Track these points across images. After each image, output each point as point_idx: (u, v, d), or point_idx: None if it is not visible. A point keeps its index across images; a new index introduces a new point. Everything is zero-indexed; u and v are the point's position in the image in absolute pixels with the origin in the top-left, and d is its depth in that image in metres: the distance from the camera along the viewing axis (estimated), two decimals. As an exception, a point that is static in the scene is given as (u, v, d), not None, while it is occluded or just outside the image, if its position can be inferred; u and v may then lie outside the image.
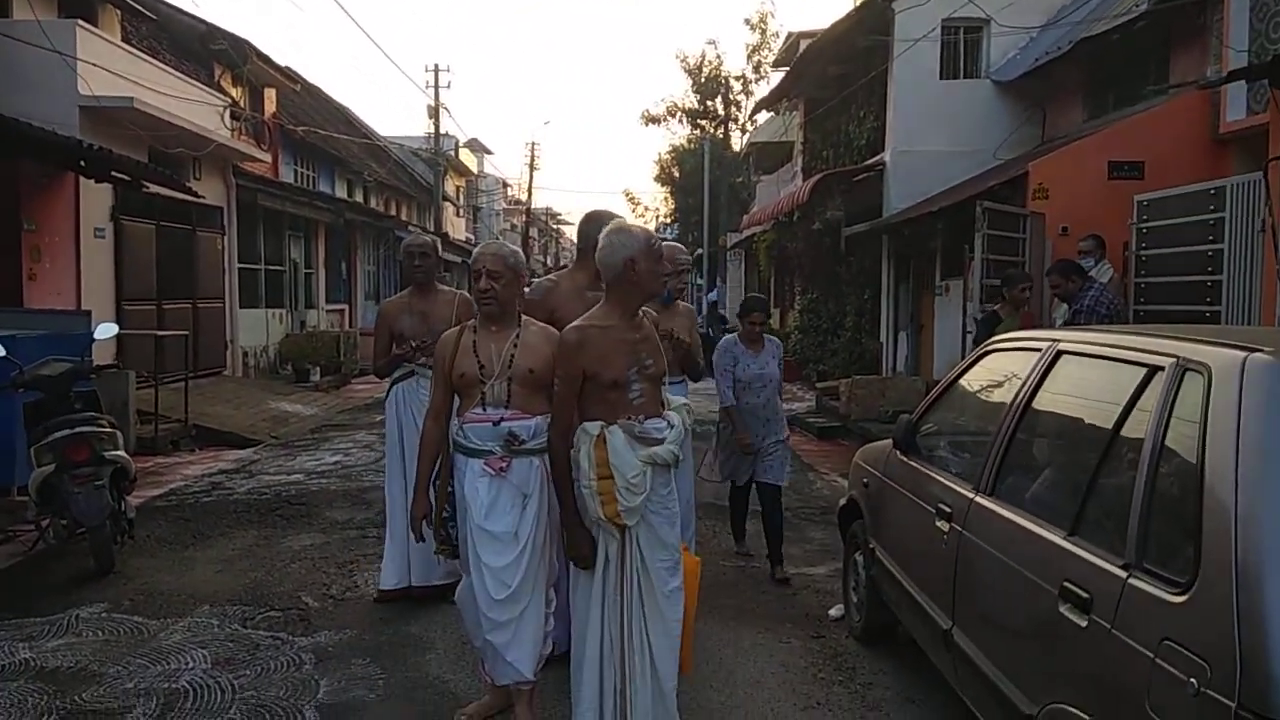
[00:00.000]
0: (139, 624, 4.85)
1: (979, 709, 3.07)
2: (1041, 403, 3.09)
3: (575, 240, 4.76)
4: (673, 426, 3.25)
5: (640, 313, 3.33)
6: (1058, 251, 8.89)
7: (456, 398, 3.65)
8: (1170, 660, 2.03)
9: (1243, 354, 2.21)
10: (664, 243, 5.50)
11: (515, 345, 3.57)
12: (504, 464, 3.47)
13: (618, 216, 4.47)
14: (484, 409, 3.52)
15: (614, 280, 3.21)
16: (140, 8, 14.04)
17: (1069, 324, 7.04)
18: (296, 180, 20.39)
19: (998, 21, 12.94)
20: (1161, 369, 2.44)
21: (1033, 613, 2.64)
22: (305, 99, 22.50)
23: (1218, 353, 2.28)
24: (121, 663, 4.33)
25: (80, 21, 11.27)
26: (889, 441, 4.34)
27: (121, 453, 6.02)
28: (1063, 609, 2.46)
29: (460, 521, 3.59)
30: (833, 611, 5.08)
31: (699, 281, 29.83)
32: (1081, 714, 2.35)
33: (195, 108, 13.75)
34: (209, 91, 15.08)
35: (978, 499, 3.18)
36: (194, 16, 15.53)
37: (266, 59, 17.20)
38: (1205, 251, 7.01)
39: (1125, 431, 2.51)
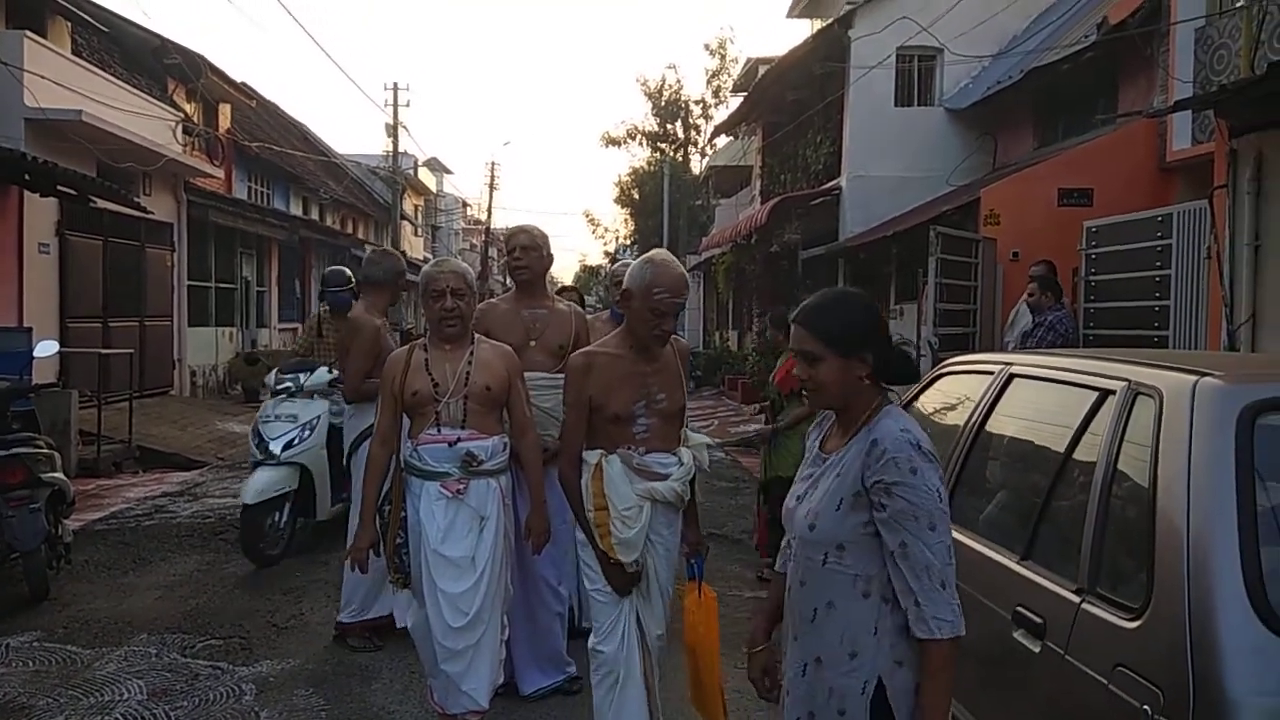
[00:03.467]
0: (72, 653, 4.67)
1: (934, 735, 3.04)
2: (994, 426, 3.09)
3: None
4: (681, 464, 3.10)
5: (668, 342, 3.16)
6: (1009, 276, 9.02)
7: (406, 419, 3.52)
8: (1124, 687, 2.02)
9: (1194, 378, 2.21)
10: (617, 263, 5.47)
11: (470, 363, 3.45)
12: (461, 486, 3.35)
13: (539, 231, 4.45)
14: (439, 429, 3.39)
15: (625, 308, 3.12)
16: (91, 20, 13.80)
17: (1028, 334, 7.13)
18: (250, 197, 20.11)
19: (950, 50, 13.19)
20: (1113, 393, 2.44)
21: (986, 638, 2.61)
22: (261, 115, 22.24)
23: (1169, 377, 2.29)
24: (52, 694, 4.16)
25: (28, 33, 11.05)
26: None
27: (60, 475, 5.83)
28: (1016, 635, 2.45)
29: (414, 548, 3.44)
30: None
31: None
32: (1035, 740, 2.33)
33: (146, 122, 13.51)
34: (161, 106, 14.83)
35: (932, 522, 3.16)
36: (147, 30, 15.27)
37: (221, 74, 16.98)
38: (1153, 277, 7.15)
39: (1077, 455, 2.51)
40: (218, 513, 8.03)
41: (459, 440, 3.37)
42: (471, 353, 3.50)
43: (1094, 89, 10.92)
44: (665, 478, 3.05)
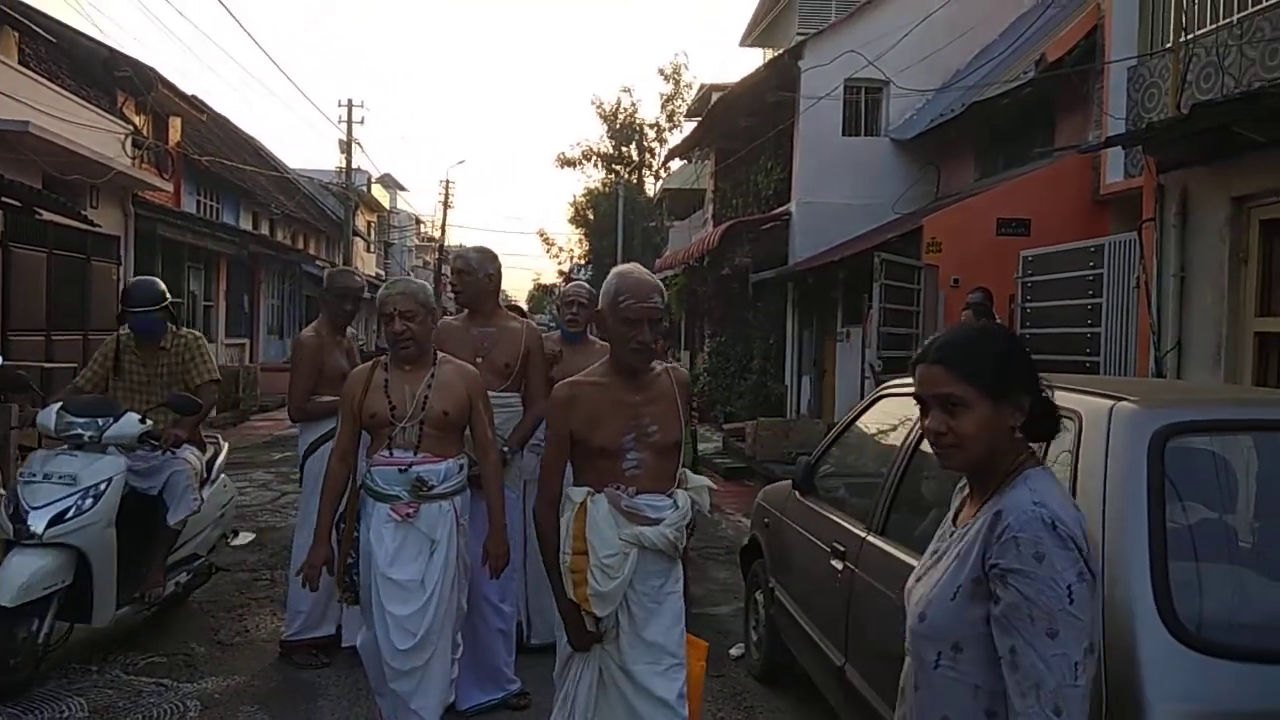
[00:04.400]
0: (9, 671, 4.59)
1: (870, 745, 3.15)
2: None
3: None
4: (676, 507, 2.79)
5: (662, 369, 2.88)
6: (950, 302, 9.29)
7: (367, 436, 3.52)
8: (1041, 691, 2.14)
9: (1110, 403, 2.37)
10: (570, 282, 5.58)
11: (429, 386, 3.42)
12: (411, 510, 3.34)
13: (478, 255, 4.53)
14: (391, 452, 3.39)
15: (603, 332, 2.89)
16: (40, 30, 13.59)
17: None
18: (199, 211, 19.87)
19: (896, 84, 13.57)
20: (1036, 415, 2.59)
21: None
22: (212, 129, 22.00)
23: (1088, 401, 2.44)
24: (-12, 714, 4.10)
25: (-28, 41, 10.86)
26: (789, 482, 4.45)
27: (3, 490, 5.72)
28: (945, 644, 2.56)
29: (364, 568, 3.44)
30: (734, 650, 5.14)
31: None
32: (962, 746, 2.44)
33: (95, 134, 13.33)
34: (110, 118, 14.64)
35: (869, 538, 3.30)
36: (97, 41, 15.09)
37: (172, 87, 16.82)
38: (1085, 305, 7.44)
39: (1003, 473, 2.65)
40: (161, 530, 7.90)
41: (411, 465, 3.36)
42: (433, 374, 3.46)
43: (1033, 123, 11.32)
44: (657, 523, 2.74)
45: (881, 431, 3.77)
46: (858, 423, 4.06)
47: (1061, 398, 2.52)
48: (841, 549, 3.48)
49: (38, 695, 4.29)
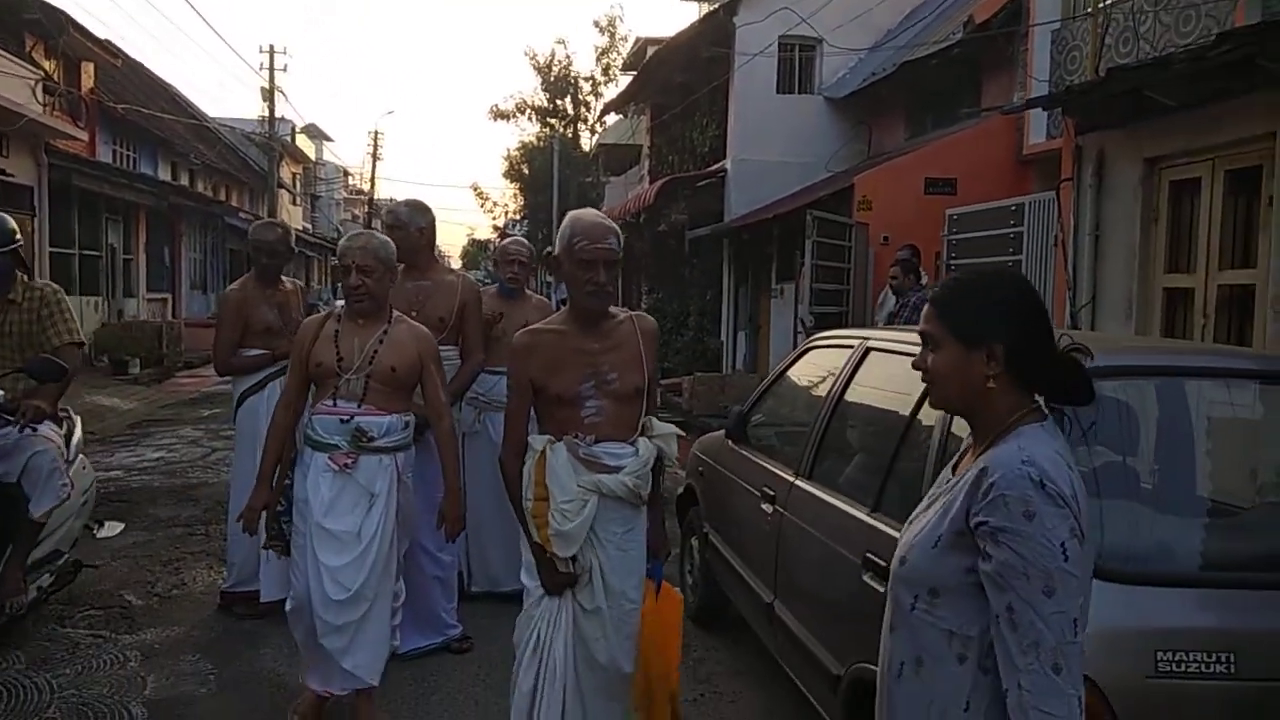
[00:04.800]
0: (-62, 627, 4.55)
1: (797, 675, 3.35)
2: (852, 394, 3.40)
3: None
4: (637, 455, 2.79)
5: (625, 316, 2.89)
6: (880, 259, 9.53)
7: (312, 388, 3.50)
8: (951, 615, 2.32)
9: (1015, 350, 2.53)
10: (507, 238, 5.57)
11: (381, 341, 3.42)
12: (349, 460, 3.34)
13: (407, 208, 4.47)
14: (334, 402, 3.40)
15: (559, 278, 3.02)
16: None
17: (894, 315, 7.60)
18: (116, 161, 19.16)
19: (829, 42, 13.69)
20: (951, 363, 2.76)
21: (840, 583, 2.92)
22: (127, 75, 21.17)
23: (996, 348, 2.61)
24: (-83, 668, 4.07)
25: None
26: (723, 432, 4.60)
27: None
28: (865, 577, 2.75)
29: (298, 518, 3.44)
30: (669, 595, 5.32)
31: (549, 279, 29.93)
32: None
33: (3, 80, 12.73)
34: (18, 63, 13.97)
35: (797, 482, 3.46)
36: (1, -20, 14.35)
37: (84, 31, 16.12)
38: (1006, 262, 7.71)
39: (920, 419, 2.83)
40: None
41: (352, 416, 3.37)
42: (385, 331, 3.46)
43: (960, 84, 11.56)
44: (617, 470, 2.75)
45: (809, 382, 3.93)
46: (787, 374, 4.22)
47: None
48: (771, 493, 3.65)
49: (-30, 649, 4.26)
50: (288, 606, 3.52)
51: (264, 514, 3.51)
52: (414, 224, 4.38)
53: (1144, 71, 5.42)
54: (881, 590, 2.64)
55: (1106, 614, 2.11)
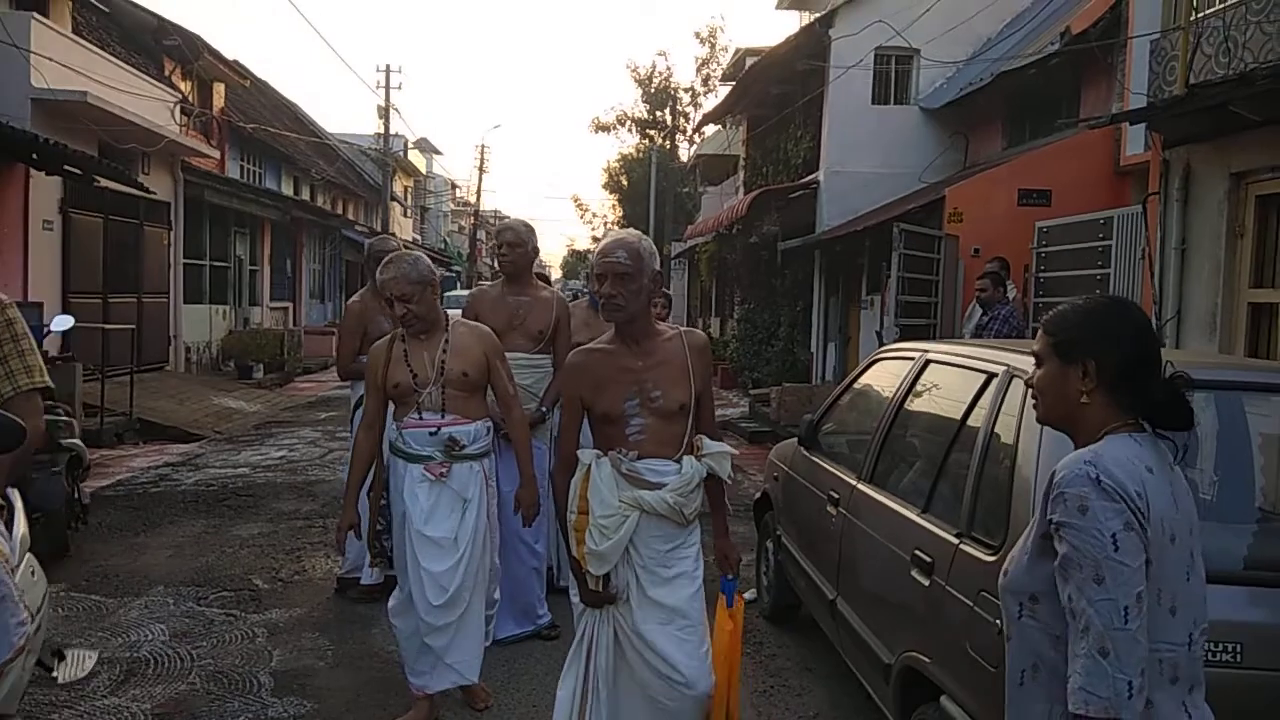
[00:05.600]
0: (97, 602, 5.16)
1: (855, 665, 3.59)
2: (911, 403, 3.63)
3: None
4: (681, 472, 2.80)
5: (674, 333, 2.92)
6: (970, 271, 9.55)
7: (391, 405, 3.65)
8: (984, 606, 2.55)
9: (1052, 365, 2.73)
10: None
11: (445, 350, 3.57)
12: (444, 469, 3.50)
13: (524, 226, 4.88)
14: (420, 415, 3.54)
15: None
16: (91, 0, 14.12)
17: (982, 328, 7.67)
18: (243, 176, 20.46)
19: (925, 54, 13.68)
20: (996, 375, 2.98)
21: (892, 578, 3.15)
22: (253, 94, 22.53)
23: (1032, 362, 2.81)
24: (83, 635, 4.65)
25: (35, 15, 11.39)
26: (796, 439, 4.85)
27: (77, 440, 6.30)
28: (913, 573, 2.98)
29: (397, 529, 3.63)
30: (747, 595, 5.58)
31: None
32: (924, 659, 2.87)
33: (146, 103, 13.87)
34: (160, 87, 15.17)
35: (859, 486, 3.70)
36: (145, 10, 15.60)
37: (216, 54, 17.30)
38: (1094, 275, 7.70)
39: (968, 425, 3.04)
40: (220, 481, 8.52)
41: (440, 427, 3.52)
42: (446, 340, 3.60)
43: (1058, 94, 11.44)
44: (659, 487, 2.77)
45: (874, 392, 4.15)
46: (855, 384, 4.45)
47: (1019, 360, 2.92)
48: (836, 496, 3.89)
49: (124, 622, 4.84)
50: (390, 603, 3.76)
51: (351, 532, 3.67)
52: (530, 243, 4.78)
53: (1227, 87, 5.44)
54: (926, 584, 2.88)
55: None
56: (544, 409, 4.73)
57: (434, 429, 3.52)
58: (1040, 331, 1.83)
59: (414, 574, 3.51)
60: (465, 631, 3.55)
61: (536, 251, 4.88)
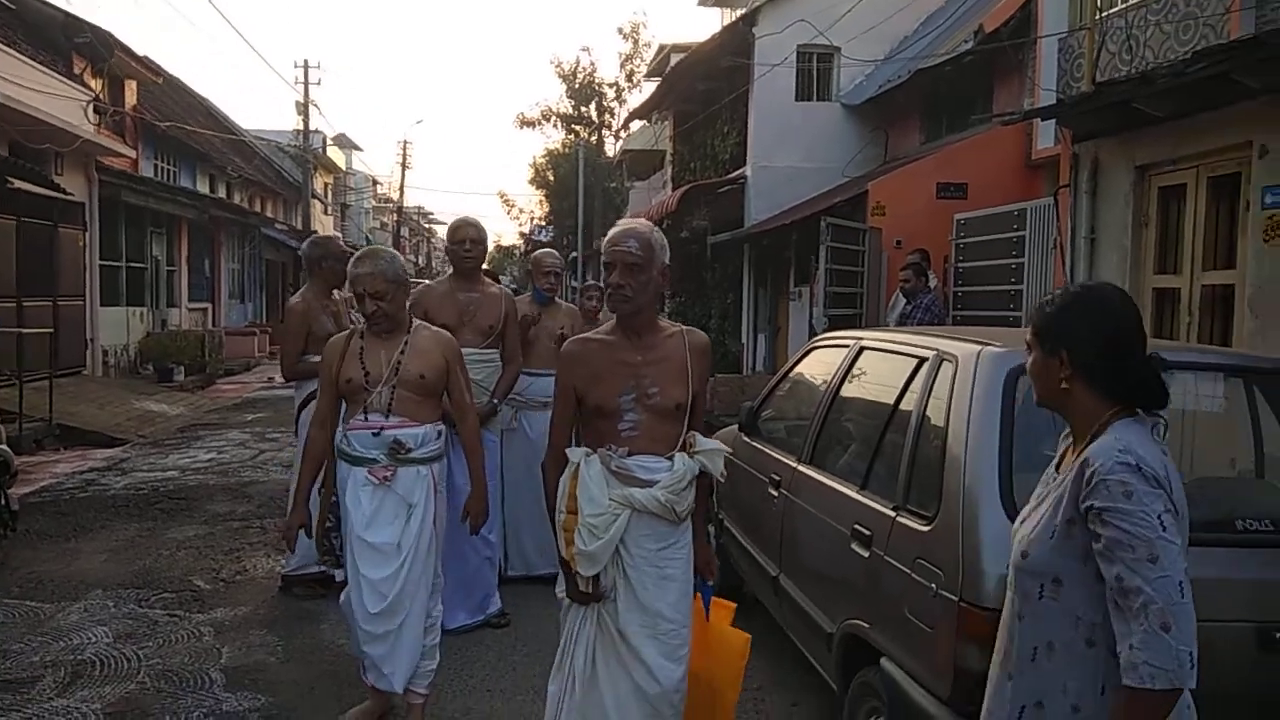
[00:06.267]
0: (33, 608, 5.06)
1: (797, 637, 3.77)
2: (847, 388, 3.82)
3: (446, 239, 5.06)
4: (673, 470, 2.72)
5: (676, 330, 2.86)
6: (893, 262, 9.89)
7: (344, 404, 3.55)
8: (920, 573, 2.74)
9: (978, 347, 2.94)
10: (538, 249, 6.05)
11: (404, 351, 3.49)
12: (388, 473, 3.40)
13: (481, 224, 5.01)
14: (366, 416, 3.44)
15: None
16: (-6, -5, 13.59)
17: (906, 317, 7.97)
18: (158, 176, 19.87)
19: (846, 52, 14.07)
20: (926, 359, 3.18)
21: (833, 552, 3.33)
22: (167, 92, 21.92)
23: (962, 346, 3.02)
24: (23, 640, 4.57)
25: (-65, 10, 10.93)
26: (736, 426, 5.02)
27: (4, 447, 6.14)
28: (853, 545, 3.16)
29: (344, 532, 3.54)
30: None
31: (574, 284, 30.43)
32: (865, 625, 3.05)
33: (58, 101, 13.41)
34: (72, 85, 14.67)
35: (799, 467, 3.88)
36: (53, 5, 15.06)
37: (128, 50, 16.78)
38: (1010, 265, 8.07)
39: (901, 407, 3.24)
40: (150, 485, 8.35)
41: (384, 428, 3.41)
42: (407, 341, 3.51)
43: (973, 90, 11.88)
44: (650, 484, 2.69)
45: (811, 379, 4.34)
46: (793, 372, 4.64)
47: (948, 344, 3.12)
48: (778, 479, 4.06)
49: (64, 626, 4.77)
50: (341, 599, 3.65)
51: (302, 531, 3.64)
52: (486, 241, 4.91)
53: (1131, 85, 5.78)
54: (866, 555, 3.07)
55: None
56: (494, 401, 4.81)
57: (376, 430, 3.42)
58: (1031, 321, 1.97)
59: (353, 580, 3.43)
60: (402, 642, 3.44)
61: (487, 248, 4.98)
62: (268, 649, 4.54)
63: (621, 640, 2.74)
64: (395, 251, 3.66)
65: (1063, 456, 1.95)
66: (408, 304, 3.69)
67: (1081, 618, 1.76)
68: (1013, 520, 2.52)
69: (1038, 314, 1.93)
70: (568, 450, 2.78)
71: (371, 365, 3.45)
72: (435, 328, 3.75)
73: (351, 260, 3.56)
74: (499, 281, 5.71)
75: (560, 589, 2.86)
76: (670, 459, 2.73)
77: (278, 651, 4.51)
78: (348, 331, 3.65)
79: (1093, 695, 1.76)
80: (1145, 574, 1.64)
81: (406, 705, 3.64)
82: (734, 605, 3.12)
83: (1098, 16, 7.26)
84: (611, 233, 2.78)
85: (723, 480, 2.98)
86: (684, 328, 2.90)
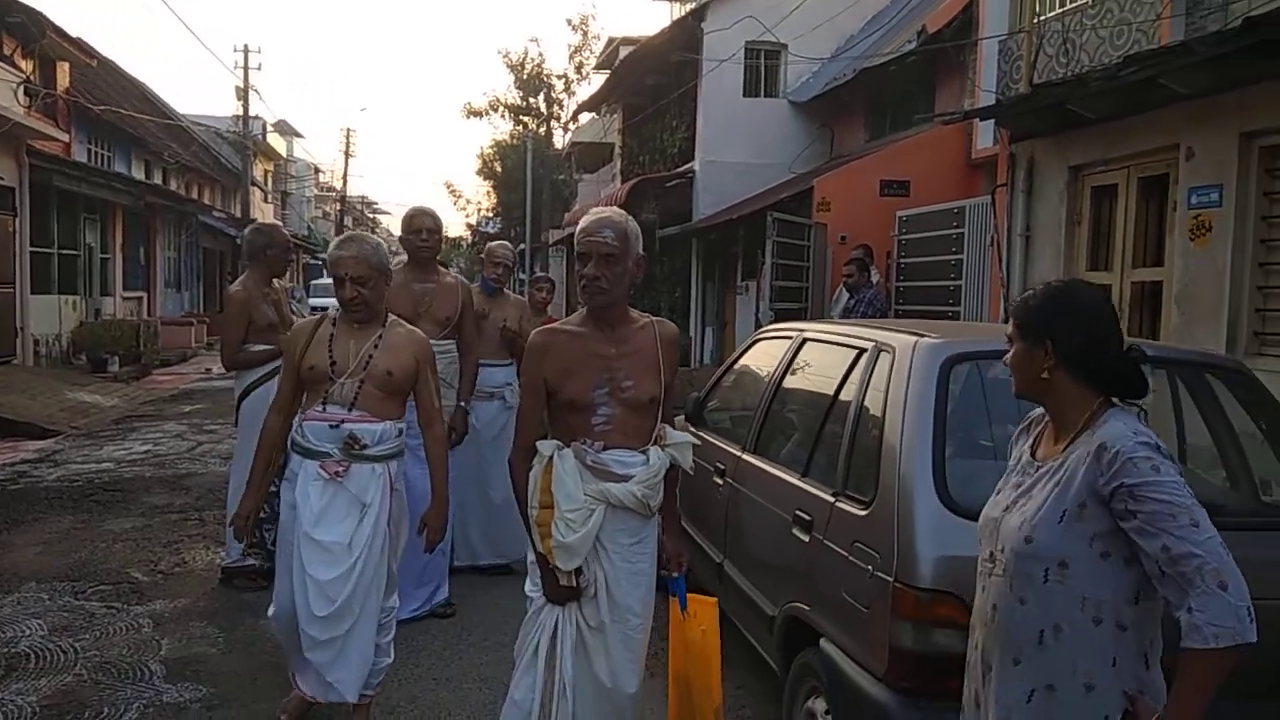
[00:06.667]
0: (-38, 602, 4.94)
1: (741, 622, 3.84)
2: (790, 379, 3.90)
3: (400, 231, 4.99)
4: (648, 464, 2.70)
5: (646, 322, 2.80)
6: (837, 257, 10.06)
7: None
8: (857, 555, 2.82)
9: (914, 338, 3.04)
10: (490, 242, 6.03)
11: (376, 345, 3.32)
12: (341, 468, 3.22)
13: (437, 213, 4.99)
14: (324, 408, 3.28)
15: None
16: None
17: (849, 311, 8.12)
18: (91, 160, 19.33)
19: (792, 49, 14.24)
20: (866, 350, 3.26)
21: (775, 538, 3.41)
22: (101, 74, 21.31)
23: (900, 338, 3.11)
24: (-48, 634, 4.46)
25: None
26: (683, 416, 5.08)
27: (-70, 436, 5.96)
28: (794, 530, 3.24)
29: (285, 527, 3.33)
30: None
31: (522, 276, 30.30)
32: (805, 607, 3.13)
33: (-16, 82, 12.98)
34: (2, 67, 14.21)
35: (744, 456, 3.95)
36: (-20, -17, 14.55)
37: (61, 31, 16.29)
38: (949, 260, 8.27)
39: (841, 396, 3.32)
40: (84, 477, 8.16)
41: (343, 421, 3.25)
42: (380, 335, 3.36)
43: (916, 90, 12.12)
44: (625, 479, 2.66)
45: (756, 369, 4.42)
46: (738, 363, 4.71)
47: (886, 336, 3.21)
48: (722, 468, 4.13)
49: (-5, 619, 4.66)
50: (270, 612, 3.46)
51: (251, 517, 3.46)
52: (441, 230, 4.89)
53: (1065, 87, 5.96)
54: (806, 539, 3.15)
55: (962, 542, 2.56)
56: (463, 403, 4.77)
57: (335, 423, 3.25)
58: (1011, 315, 2.01)
59: (298, 580, 3.21)
60: (351, 647, 3.24)
61: (444, 237, 4.95)
62: (209, 640, 4.48)
63: (597, 639, 2.70)
64: (380, 240, 3.51)
65: (1035, 443, 2.01)
66: (384, 295, 3.47)
67: (1088, 597, 1.80)
68: (943, 502, 2.66)
69: (1020, 308, 1.98)
70: (539, 443, 2.72)
71: (339, 355, 3.28)
72: (411, 326, 3.58)
73: (334, 243, 3.46)
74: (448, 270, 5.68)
75: (531, 587, 2.78)
76: (644, 453, 2.71)
77: (219, 643, 4.46)
78: (318, 317, 3.47)
79: (1104, 671, 1.81)
80: (1193, 538, 1.67)
81: (355, 707, 3.45)
82: (715, 600, 3.02)
83: (1036, 20, 7.47)
84: (585, 222, 2.69)
85: (691, 473, 2.93)
86: (654, 319, 2.85)
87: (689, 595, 2.99)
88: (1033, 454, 2.00)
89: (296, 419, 3.36)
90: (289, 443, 3.38)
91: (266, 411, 3.61)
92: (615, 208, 2.96)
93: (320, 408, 3.28)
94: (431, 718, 3.77)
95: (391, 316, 3.51)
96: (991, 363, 2.88)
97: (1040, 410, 2.04)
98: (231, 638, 4.52)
